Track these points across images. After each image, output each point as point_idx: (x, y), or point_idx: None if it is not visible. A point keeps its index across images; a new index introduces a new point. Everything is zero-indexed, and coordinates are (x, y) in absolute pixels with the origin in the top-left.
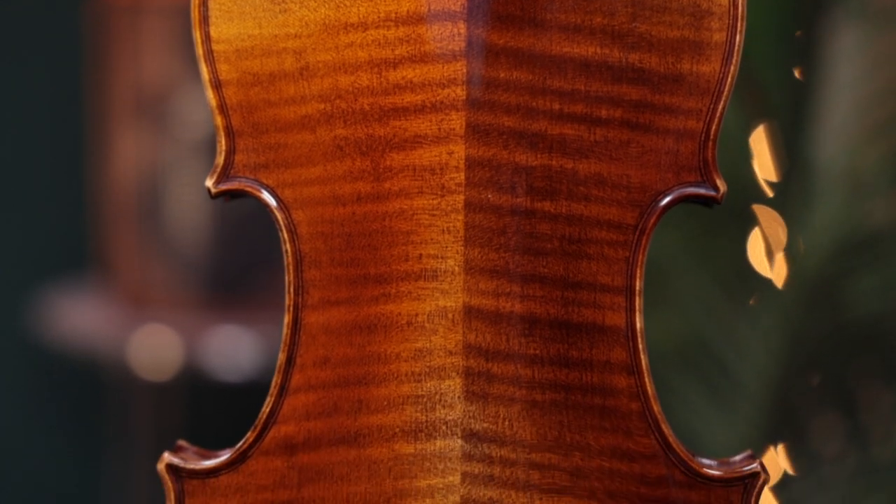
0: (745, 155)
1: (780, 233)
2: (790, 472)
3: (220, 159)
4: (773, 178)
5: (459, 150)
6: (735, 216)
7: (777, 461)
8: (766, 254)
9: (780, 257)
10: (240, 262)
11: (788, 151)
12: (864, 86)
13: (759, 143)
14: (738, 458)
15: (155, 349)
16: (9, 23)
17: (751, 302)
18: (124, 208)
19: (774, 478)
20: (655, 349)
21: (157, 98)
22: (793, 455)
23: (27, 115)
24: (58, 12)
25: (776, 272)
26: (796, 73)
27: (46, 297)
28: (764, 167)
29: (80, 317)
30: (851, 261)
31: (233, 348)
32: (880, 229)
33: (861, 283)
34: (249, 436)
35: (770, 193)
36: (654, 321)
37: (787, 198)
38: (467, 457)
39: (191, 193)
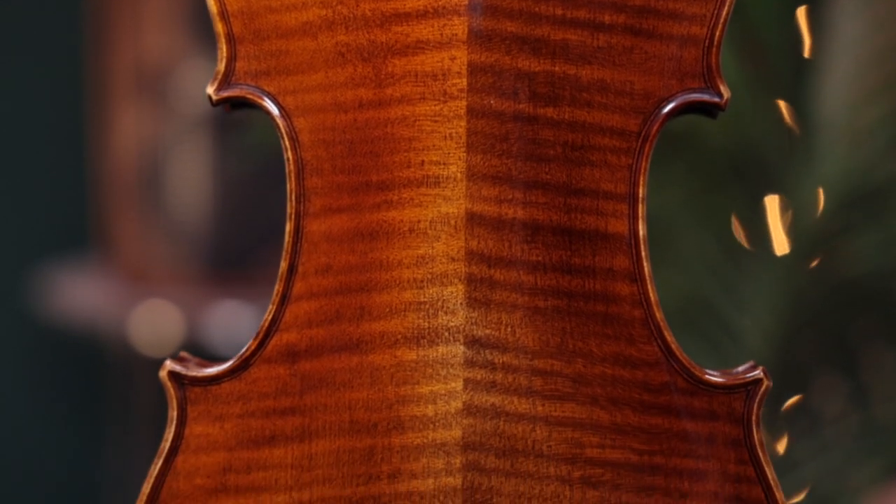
0: (745, 111)
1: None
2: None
3: (221, 66)
4: (774, 135)
5: (462, 56)
6: (736, 173)
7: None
8: (767, 211)
9: (781, 215)
10: (240, 238)
11: (789, 108)
12: (866, 45)
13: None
14: (740, 368)
15: (156, 325)
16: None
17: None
18: (125, 184)
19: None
20: None
21: (157, 74)
22: (794, 415)
23: (28, 92)
24: None
25: (777, 230)
26: (798, 29)
27: (47, 274)
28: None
29: (81, 293)
30: (853, 217)
31: (233, 324)
32: (881, 186)
33: (862, 240)
34: (251, 344)
35: (771, 150)
36: (657, 280)
37: (789, 154)
38: (469, 363)
39: (192, 169)
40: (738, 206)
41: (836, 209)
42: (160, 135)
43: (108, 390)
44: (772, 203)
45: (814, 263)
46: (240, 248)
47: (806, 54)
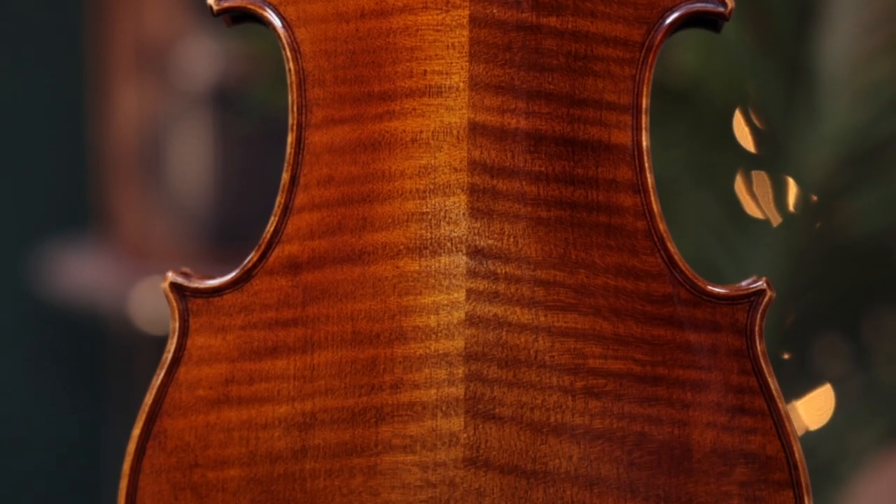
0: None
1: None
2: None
3: None
4: (776, 93)
5: None
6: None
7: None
8: (755, 187)
9: (783, 174)
10: (241, 215)
11: (792, 67)
12: (872, 4)
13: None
14: (744, 282)
15: (156, 302)
16: None
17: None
18: (126, 161)
19: None
20: None
21: (158, 51)
22: (796, 377)
23: (28, 69)
24: None
25: (779, 189)
26: None
27: (48, 251)
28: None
29: (81, 270)
30: (855, 175)
31: None
32: (883, 144)
33: (865, 198)
34: (253, 255)
35: (773, 110)
36: None
37: (791, 113)
38: (472, 273)
39: (192, 146)
40: (740, 166)
41: (837, 168)
42: (161, 112)
43: (108, 367)
44: (759, 178)
45: (817, 225)
46: (240, 224)
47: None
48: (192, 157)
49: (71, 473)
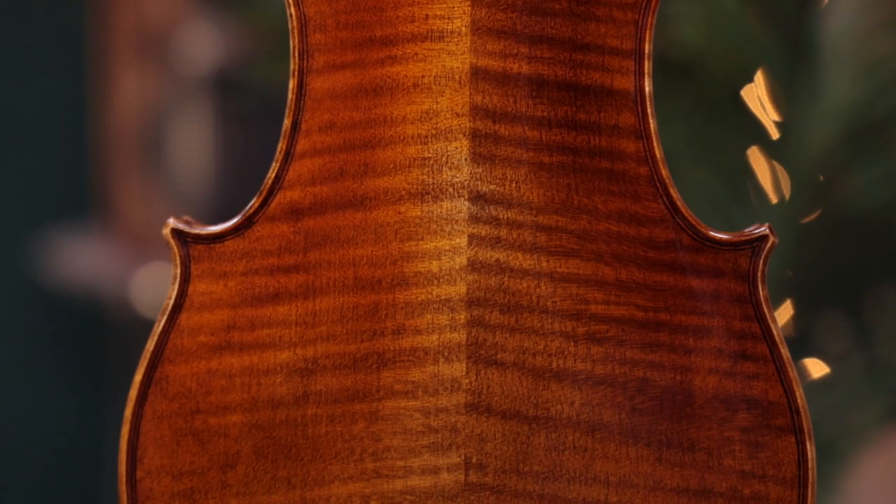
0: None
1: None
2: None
3: None
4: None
5: None
6: (738, 106)
7: None
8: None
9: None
10: (242, 201)
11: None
12: None
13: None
14: (747, 229)
15: (158, 288)
16: None
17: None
18: (126, 148)
19: None
20: None
21: (159, 37)
22: (796, 355)
23: (28, 55)
24: None
25: (780, 164)
26: None
27: (49, 238)
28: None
29: (82, 257)
30: (856, 151)
31: None
32: (884, 119)
33: (866, 174)
34: (255, 202)
35: (774, 83)
36: None
37: (793, 86)
38: (474, 219)
39: (193, 132)
40: (742, 141)
41: (838, 144)
42: (161, 98)
43: (110, 353)
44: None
45: (818, 201)
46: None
47: None
48: (192, 144)
49: (72, 461)
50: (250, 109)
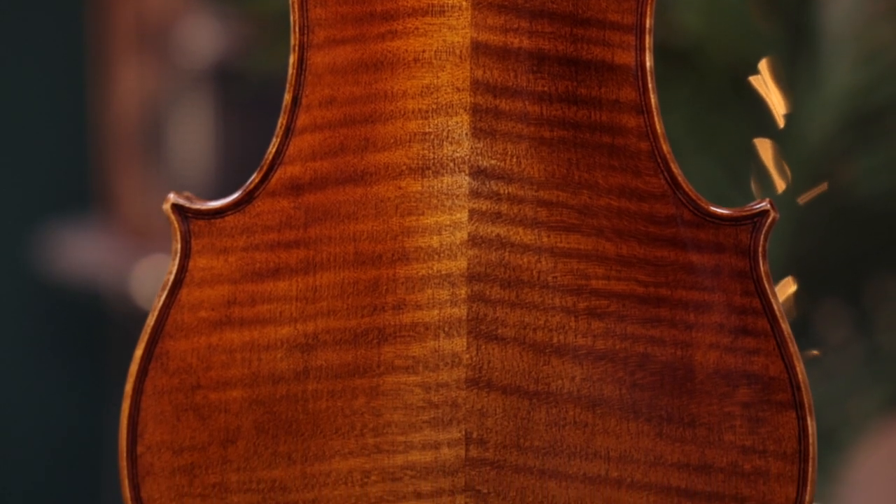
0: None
1: (783, 109)
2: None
3: None
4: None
5: None
6: (739, 93)
7: None
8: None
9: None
10: None
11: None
12: None
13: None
14: (748, 204)
15: (158, 280)
16: None
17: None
18: (126, 140)
19: None
20: None
21: (159, 29)
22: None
23: (28, 48)
24: None
25: (781, 151)
26: None
27: (49, 231)
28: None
29: (83, 249)
30: (856, 139)
31: None
32: (885, 107)
33: (865, 162)
34: (255, 177)
35: (775, 69)
36: None
37: (793, 73)
38: (475, 194)
39: (193, 125)
40: (743, 130)
41: (839, 131)
42: (162, 91)
43: (110, 346)
44: (762, 145)
45: (819, 189)
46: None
47: None
48: (193, 136)
49: (72, 453)
50: (250, 100)
